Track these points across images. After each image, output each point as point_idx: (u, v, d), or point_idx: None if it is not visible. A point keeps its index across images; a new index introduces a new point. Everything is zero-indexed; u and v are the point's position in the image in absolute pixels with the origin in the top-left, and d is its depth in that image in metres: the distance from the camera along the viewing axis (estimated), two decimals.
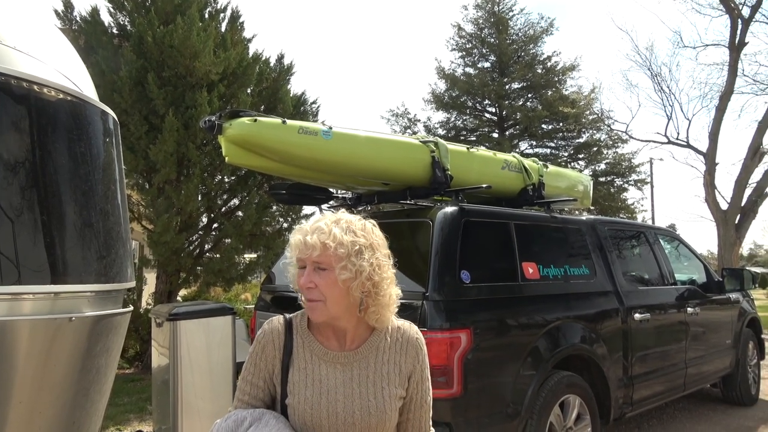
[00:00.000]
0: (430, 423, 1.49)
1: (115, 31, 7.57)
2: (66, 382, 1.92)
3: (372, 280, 1.32)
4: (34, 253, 1.79)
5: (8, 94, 1.79)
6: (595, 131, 19.81)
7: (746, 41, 14.13)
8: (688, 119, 16.12)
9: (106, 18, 7.40)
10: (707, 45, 16.64)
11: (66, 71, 2.12)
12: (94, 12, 7.22)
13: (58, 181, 1.91)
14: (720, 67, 16.36)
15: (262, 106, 7.91)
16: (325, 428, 1.31)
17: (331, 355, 1.38)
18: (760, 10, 14.11)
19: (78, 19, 7.38)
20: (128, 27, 7.47)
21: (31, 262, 1.78)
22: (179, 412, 3.55)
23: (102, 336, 2.06)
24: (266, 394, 1.39)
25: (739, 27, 14.08)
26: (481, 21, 20.42)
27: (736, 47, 14.08)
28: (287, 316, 1.44)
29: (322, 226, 1.32)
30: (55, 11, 7.32)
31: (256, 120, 3.18)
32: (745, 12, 14.16)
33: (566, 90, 19.78)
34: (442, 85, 20.72)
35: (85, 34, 7.25)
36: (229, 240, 7.86)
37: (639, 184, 20.80)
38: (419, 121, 20.98)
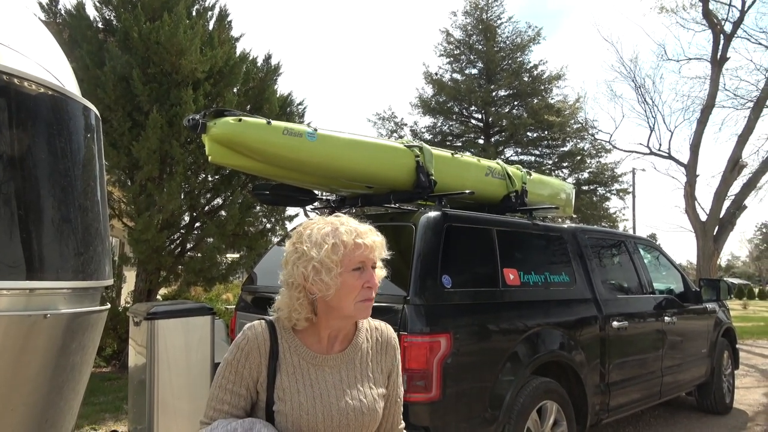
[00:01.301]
0: (401, 417, 1.54)
1: (100, 26, 7.49)
2: (39, 380, 1.89)
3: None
4: (10, 249, 1.76)
5: None
6: (579, 140, 20.05)
7: (728, 56, 14.39)
8: (670, 131, 16.49)
9: (91, 12, 7.33)
10: (690, 59, 16.85)
11: (48, 65, 2.09)
12: (80, 6, 7.14)
13: (37, 176, 1.89)
14: (702, 80, 16.64)
15: (248, 106, 7.88)
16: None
17: (320, 359, 1.38)
18: (741, 26, 14.39)
19: (63, 12, 7.29)
20: (114, 22, 7.39)
21: (7, 257, 1.75)
22: (155, 412, 3.50)
23: (78, 334, 2.03)
24: (247, 403, 1.35)
25: (722, 42, 14.35)
26: (469, 28, 20.57)
27: (718, 62, 14.34)
28: (268, 319, 1.41)
29: (370, 227, 1.40)
30: (40, 4, 7.23)
31: (240, 120, 3.17)
32: (728, 27, 14.44)
33: (552, 99, 20.01)
34: (429, 90, 20.85)
35: (69, 28, 7.17)
36: (212, 239, 7.81)
37: (621, 194, 21.10)
38: (406, 125, 21.08)
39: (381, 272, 1.41)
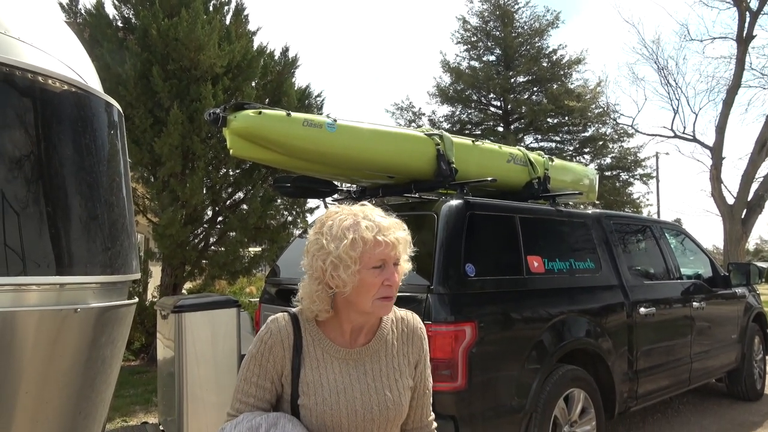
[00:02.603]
0: (431, 409, 1.51)
1: (119, 24, 7.56)
2: (72, 373, 1.93)
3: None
4: (40, 245, 1.79)
5: (12, 86, 1.78)
6: (600, 125, 19.74)
7: (754, 34, 14.05)
8: (694, 113, 16.03)
9: (110, 11, 7.39)
10: (714, 38, 16.51)
11: (70, 62, 2.11)
12: (99, 5, 7.21)
13: (63, 173, 1.91)
14: (727, 60, 16.22)
15: (267, 99, 7.90)
16: (345, 427, 1.30)
17: (344, 353, 1.36)
18: None
19: (83, 12, 7.38)
20: (133, 20, 7.46)
21: (37, 253, 1.78)
22: (184, 404, 3.56)
23: (107, 327, 2.07)
24: (273, 396, 1.35)
25: (747, 20, 13.97)
26: (486, 14, 20.32)
27: (743, 40, 13.97)
28: (292, 312, 1.40)
29: (396, 221, 1.34)
30: (60, 4, 7.31)
31: (260, 112, 3.18)
32: (754, 5, 14.06)
33: (572, 84, 19.70)
34: (446, 79, 20.68)
35: (89, 27, 7.25)
36: (234, 233, 7.87)
37: (644, 179, 20.74)
38: (424, 114, 20.96)
39: (406, 266, 1.36)
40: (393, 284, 1.30)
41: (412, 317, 1.49)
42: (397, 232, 1.31)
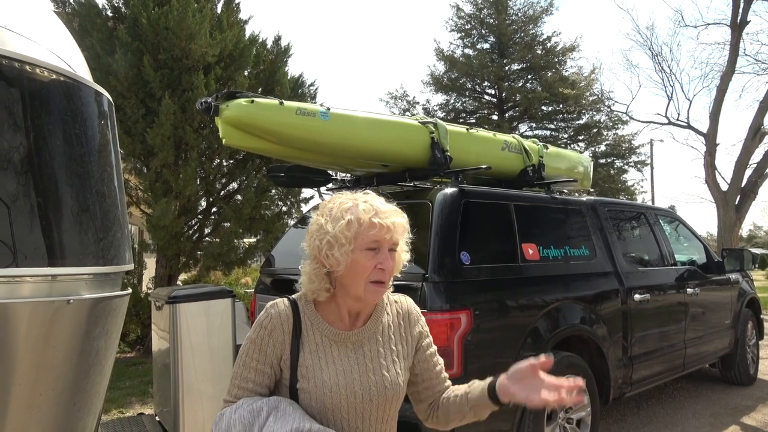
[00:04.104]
0: (446, 376, 1.53)
1: (109, 13, 7.47)
2: (66, 365, 1.92)
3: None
4: (31, 236, 1.77)
5: None
6: (595, 112, 19.75)
7: (748, 20, 13.98)
8: (688, 100, 16.05)
9: (100, 0, 7.30)
10: (708, 24, 16.40)
11: (59, 51, 2.08)
12: None
13: (54, 164, 1.89)
14: (721, 46, 16.25)
15: (260, 89, 7.85)
16: (344, 409, 1.31)
17: (342, 336, 1.37)
18: None
19: (72, 1, 7.28)
20: (122, 9, 7.38)
21: (28, 244, 1.76)
22: (180, 395, 3.56)
23: (101, 318, 2.05)
24: (271, 381, 1.35)
25: (741, 5, 13.93)
26: (480, 1, 20.22)
27: (738, 26, 13.94)
28: (291, 297, 1.41)
29: (395, 207, 1.36)
30: None
31: (253, 101, 3.15)
32: None
33: (566, 71, 19.68)
34: (441, 67, 20.61)
35: (79, 17, 7.16)
36: (229, 224, 7.86)
37: (639, 166, 20.79)
38: (418, 103, 20.92)
39: (404, 255, 1.37)
40: (386, 269, 1.31)
41: (404, 298, 1.52)
42: (394, 217, 1.33)
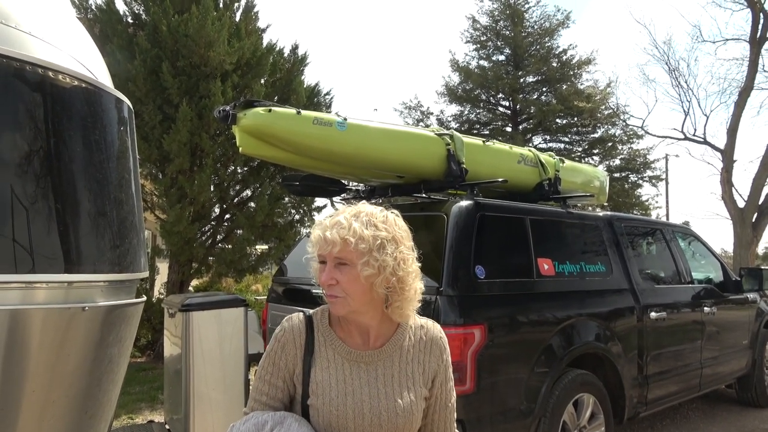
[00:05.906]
0: (455, 425, 1.44)
1: (129, 20, 7.58)
2: (79, 372, 1.91)
3: (396, 275, 1.27)
4: (48, 242, 1.78)
5: (23, 80, 1.77)
6: (610, 126, 19.58)
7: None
8: (705, 115, 15.81)
9: (121, 7, 7.41)
10: (727, 39, 16.20)
11: (81, 58, 2.10)
12: (110, 1, 7.23)
13: (73, 169, 1.90)
14: (740, 62, 16.03)
15: (276, 97, 7.89)
16: (351, 430, 1.27)
17: (355, 354, 1.33)
18: None
19: (93, 8, 7.39)
20: (143, 16, 7.47)
21: (45, 250, 1.76)
22: (191, 403, 3.55)
23: (115, 326, 2.05)
24: (285, 395, 1.33)
25: (761, 21, 13.82)
26: (496, 13, 20.20)
27: (757, 42, 13.82)
28: (307, 312, 1.39)
29: (342, 220, 1.27)
30: (71, 0, 7.32)
31: (270, 110, 3.16)
32: None
33: (581, 84, 19.56)
34: (455, 78, 20.57)
35: (100, 23, 7.26)
36: (241, 231, 7.87)
37: (654, 181, 20.57)
38: (432, 114, 20.86)
39: (365, 271, 1.24)
40: (323, 283, 1.28)
41: (433, 326, 1.43)
42: (336, 229, 1.25)
